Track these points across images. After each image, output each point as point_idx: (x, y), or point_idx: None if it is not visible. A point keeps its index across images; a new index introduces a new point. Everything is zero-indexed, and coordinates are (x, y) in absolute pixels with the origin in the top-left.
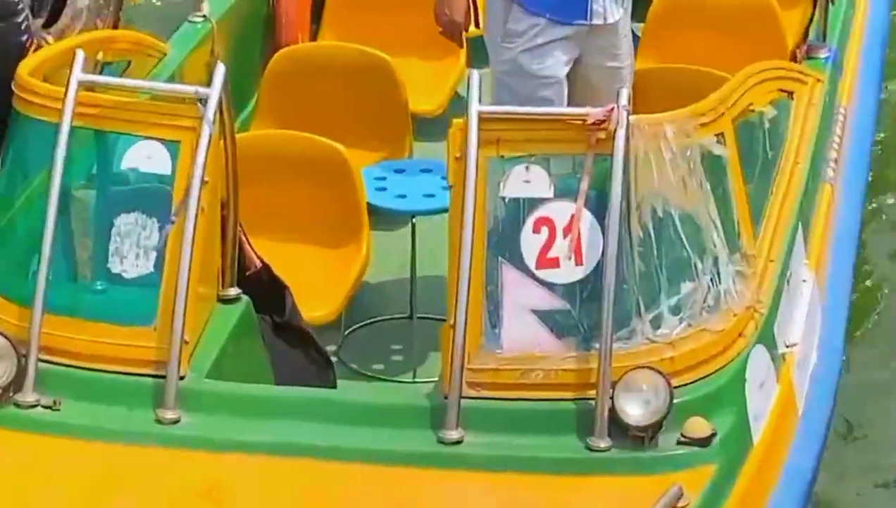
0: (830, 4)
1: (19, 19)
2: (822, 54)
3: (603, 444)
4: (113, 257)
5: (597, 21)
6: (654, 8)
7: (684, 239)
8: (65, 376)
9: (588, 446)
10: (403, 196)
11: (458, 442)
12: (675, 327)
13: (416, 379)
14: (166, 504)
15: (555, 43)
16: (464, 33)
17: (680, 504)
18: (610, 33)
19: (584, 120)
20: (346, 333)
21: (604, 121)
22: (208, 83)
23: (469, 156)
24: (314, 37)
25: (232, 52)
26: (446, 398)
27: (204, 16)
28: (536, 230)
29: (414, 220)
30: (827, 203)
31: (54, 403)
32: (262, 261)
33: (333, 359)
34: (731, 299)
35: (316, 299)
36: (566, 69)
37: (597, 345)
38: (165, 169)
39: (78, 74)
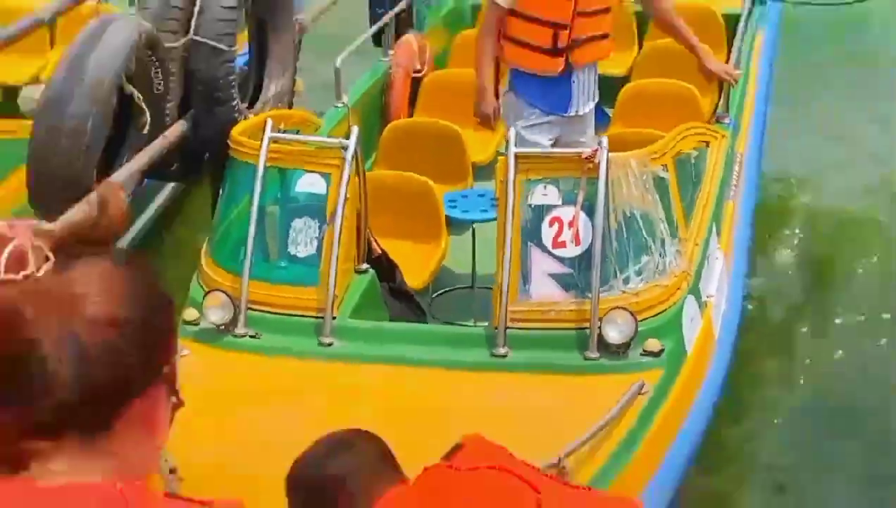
0: (732, 90)
1: (234, 104)
2: (725, 120)
3: (594, 356)
4: (291, 244)
5: (571, 113)
6: (622, 98)
7: (643, 229)
8: (261, 318)
9: (585, 357)
10: (467, 211)
11: (504, 356)
12: (638, 283)
13: (476, 323)
14: (328, 393)
15: (543, 125)
16: (493, 122)
17: (643, 391)
18: (580, 121)
19: (580, 156)
20: (434, 296)
21: (592, 157)
22: (348, 139)
23: (509, 179)
24: (411, 115)
25: (361, 123)
26: (496, 328)
27: (343, 103)
28: (551, 225)
29: (473, 226)
30: (730, 211)
31: (255, 334)
32: (381, 249)
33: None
34: (672, 266)
35: (415, 274)
36: (550, 142)
37: (590, 295)
38: (322, 191)
39: (269, 133)
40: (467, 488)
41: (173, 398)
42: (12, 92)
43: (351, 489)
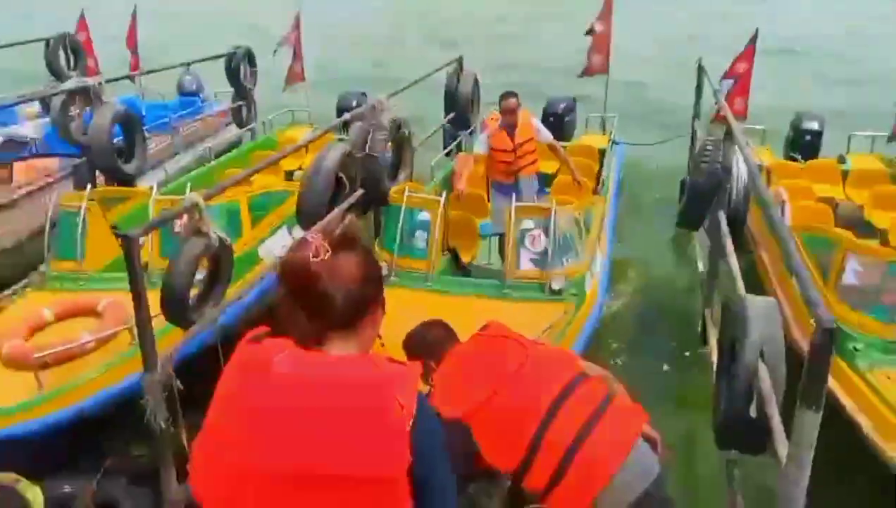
0: (604, 180)
1: (385, 181)
2: (601, 193)
3: (547, 295)
4: (416, 240)
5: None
6: (554, 183)
7: (569, 241)
8: (402, 273)
9: (544, 294)
10: (487, 230)
11: (507, 293)
12: (566, 264)
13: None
14: (429, 304)
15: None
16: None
17: (566, 311)
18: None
19: (540, 207)
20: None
21: (548, 208)
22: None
23: (512, 216)
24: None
25: (443, 190)
26: (505, 281)
27: (434, 181)
28: (529, 237)
29: (489, 237)
30: (604, 233)
31: (390, 274)
32: (451, 245)
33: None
34: (580, 258)
35: (466, 256)
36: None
37: (545, 269)
38: (428, 219)
39: (407, 192)
40: (489, 344)
41: (382, 310)
42: (290, 174)
43: (439, 345)
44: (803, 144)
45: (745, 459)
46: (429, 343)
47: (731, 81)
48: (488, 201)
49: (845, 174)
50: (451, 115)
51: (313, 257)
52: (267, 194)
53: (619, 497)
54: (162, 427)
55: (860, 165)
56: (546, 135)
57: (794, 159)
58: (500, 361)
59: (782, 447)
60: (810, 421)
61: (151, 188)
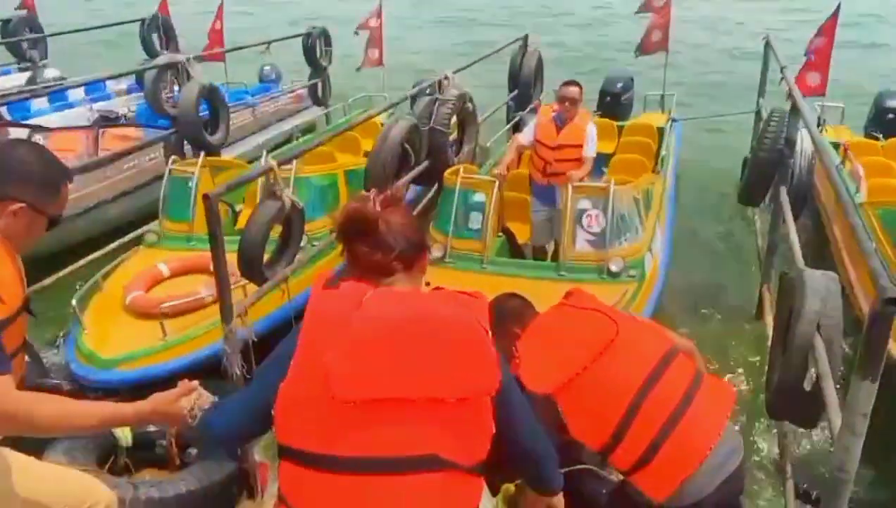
0: (662, 160)
1: (449, 155)
2: (660, 173)
3: (605, 276)
4: (472, 222)
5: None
6: (611, 163)
7: (627, 221)
8: (456, 254)
9: (601, 276)
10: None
11: (563, 275)
12: (624, 244)
13: (551, 260)
14: (483, 284)
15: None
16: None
17: (626, 292)
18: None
19: (601, 186)
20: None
21: (607, 187)
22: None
23: (569, 195)
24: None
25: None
26: (561, 261)
27: (489, 163)
28: (586, 217)
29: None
30: (664, 213)
31: (452, 261)
32: (506, 225)
33: None
34: (640, 237)
35: (521, 237)
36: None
37: (603, 249)
38: (483, 200)
39: (461, 173)
40: (571, 317)
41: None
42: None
43: (519, 316)
44: (885, 123)
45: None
46: (510, 312)
47: (806, 58)
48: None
49: None
50: (514, 92)
51: (375, 209)
52: (349, 169)
53: (711, 479)
54: (236, 374)
55: None
56: (591, 149)
57: (876, 138)
58: (590, 334)
59: (836, 417)
60: (866, 391)
61: (255, 160)
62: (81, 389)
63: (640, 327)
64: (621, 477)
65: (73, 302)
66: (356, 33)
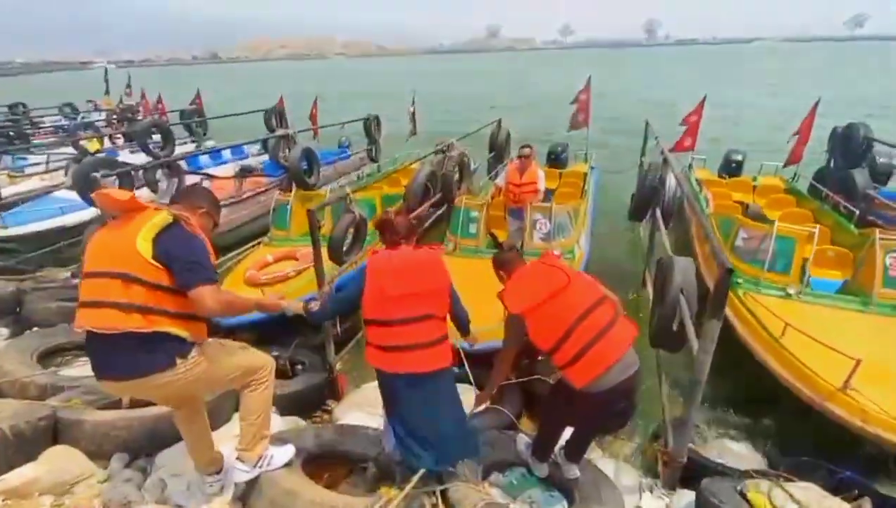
0: (586, 188)
1: (455, 190)
2: (584, 197)
3: None
4: (468, 228)
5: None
6: (555, 196)
7: (565, 224)
8: (465, 248)
9: None
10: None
11: (527, 255)
12: (563, 238)
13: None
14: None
15: (515, 223)
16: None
17: None
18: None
19: (547, 206)
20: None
21: (549, 207)
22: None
23: (529, 214)
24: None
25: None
26: (524, 250)
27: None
28: (539, 225)
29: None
30: (587, 223)
31: (456, 248)
32: (491, 231)
33: None
34: (572, 235)
35: (500, 237)
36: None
37: (550, 242)
38: (477, 215)
39: (464, 200)
40: (539, 269)
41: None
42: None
43: (511, 263)
44: (729, 168)
45: (666, 356)
46: (504, 260)
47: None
48: (505, 218)
49: (755, 188)
50: (492, 154)
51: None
52: (391, 194)
53: (617, 376)
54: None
55: (765, 182)
56: (542, 184)
57: (723, 177)
58: (552, 281)
59: (695, 343)
60: (714, 326)
61: (327, 191)
62: (216, 327)
63: (585, 281)
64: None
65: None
66: (411, 116)
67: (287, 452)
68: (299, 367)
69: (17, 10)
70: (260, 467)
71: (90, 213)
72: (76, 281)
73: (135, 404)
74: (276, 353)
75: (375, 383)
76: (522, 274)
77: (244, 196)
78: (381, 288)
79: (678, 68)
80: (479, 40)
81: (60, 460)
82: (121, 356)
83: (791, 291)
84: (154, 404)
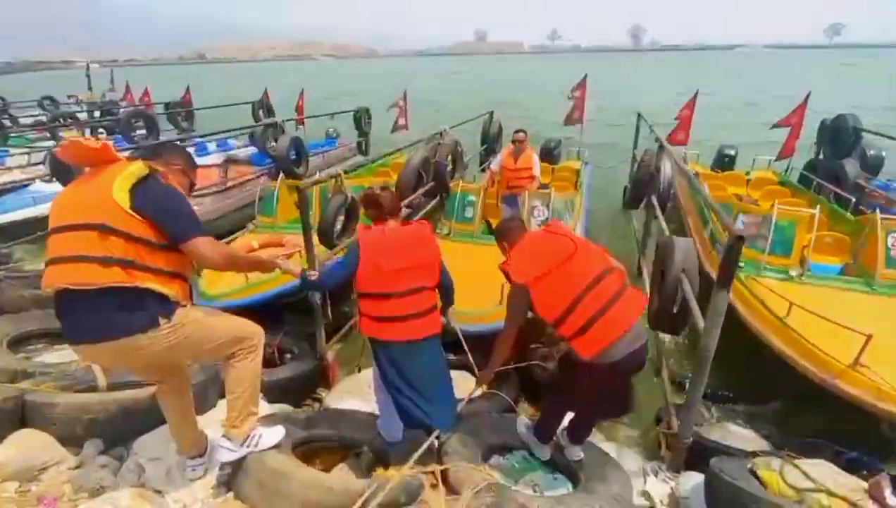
0: (580, 180)
1: (449, 179)
2: (579, 190)
3: None
4: (464, 213)
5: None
6: (552, 183)
7: (561, 213)
8: (461, 233)
9: None
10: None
11: None
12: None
13: None
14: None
15: (508, 211)
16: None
17: None
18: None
19: (548, 192)
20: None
21: (548, 193)
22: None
23: (528, 200)
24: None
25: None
26: None
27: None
28: (538, 211)
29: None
30: (582, 209)
31: (451, 232)
32: (486, 218)
33: None
34: (568, 224)
35: (494, 223)
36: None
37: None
38: (474, 199)
39: (461, 185)
40: (545, 237)
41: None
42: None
43: (513, 232)
44: (722, 162)
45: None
46: (507, 230)
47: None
48: (498, 206)
49: (748, 181)
50: (485, 145)
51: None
52: (383, 184)
53: (624, 348)
54: (317, 303)
55: (759, 175)
56: (537, 170)
57: (716, 170)
58: (558, 249)
59: (700, 321)
60: (723, 297)
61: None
62: None
63: (592, 249)
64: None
65: (194, 263)
66: (388, 109)
67: (276, 433)
68: (288, 355)
69: None
70: (247, 446)
71: None
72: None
73: (113, 388)
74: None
75: (368, 370)
76: (527, 243)
77: (229, 185)
78: (375, 263)
79: (664, 71)
80: (467, 44)
81: (27, 444)
82: (98, 314)
83: (793, 273)
84: (134, 386)
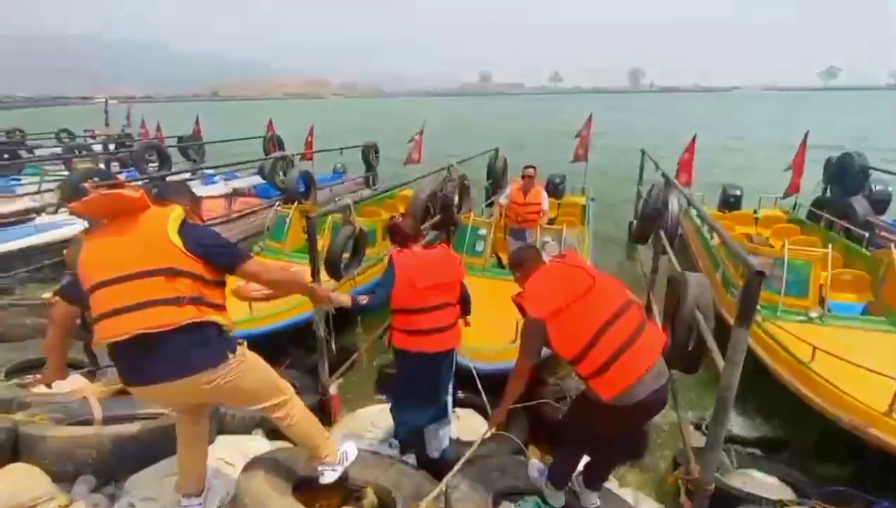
0: (587, 216)
1: (454, 211)
2: (586, 226)
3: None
4: (476, 247)
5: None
6: (557, 221)
7: (574, 242)
8: (471, 267)
9: None
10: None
11: None
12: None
13: None
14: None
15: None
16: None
17: None
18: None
19: (557, 227)
20: None
21: (559, 229)
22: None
23: (539, 232)
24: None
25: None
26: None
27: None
28: (549, 247)
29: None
30: (589, 239)
31: None
32: (495, 252)
33: None
34: (580, 247)
35: (504, 258)
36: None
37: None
38: (484, 233)
39: (472, 219)
40: (562, 269)
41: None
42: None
43: (528, 262)
44: (728, 203)
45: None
46: (522, 259)
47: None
48: (505, 239)
49: (756, 220)
50: (490, 180)
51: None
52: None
53: (646, 388)
54: (322, 336)
55: (767, 214)
56: (545, 206)
57: (723, 211)
58: (576, 282)
59: (720, 359)
60: (743, 335)
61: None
62: None
63: (611, 283)
64: (568, 405)
65: None
66: (409, 141)
67: (354, 448)
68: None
69: (16, 51)
70: (342, 463)
71: (63, 232)
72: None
73: (107, 422)
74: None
75: (371, 407)
76: (542, 275)
77: (233, 216)
78: (410, 280)
79: (664, 113)
80: (471, 85)
81: (18, 479)
82: (176, 353)
83: (813, 314)
84: (129, 421)
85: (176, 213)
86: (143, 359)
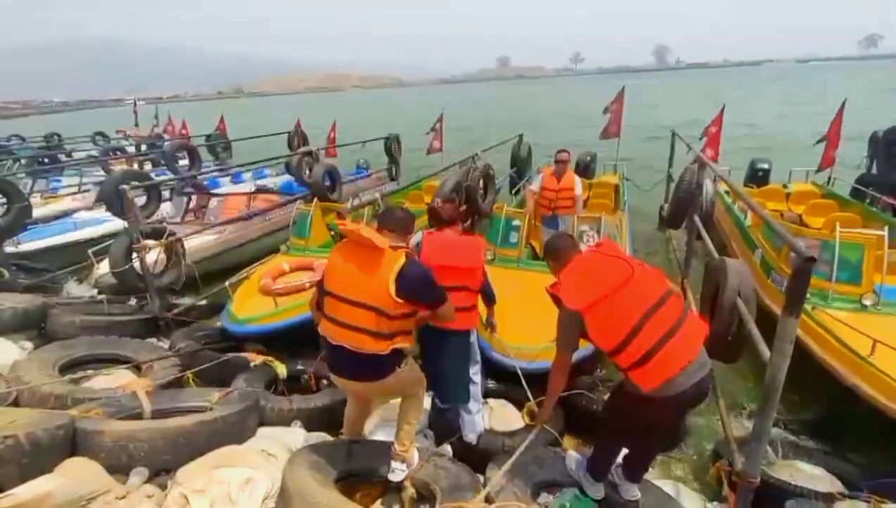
0: (620, 201)
1: (479, 201)
2: (622, 210)
3: None
4: (510, 238)
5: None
6: (587, 205)
7: (611, 234)
8: (505, 258)
9: None
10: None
11: None
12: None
13: None
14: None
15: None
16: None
17: None
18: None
19: (594, 216)
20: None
21: (598, 218)
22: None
23: (576, 224)
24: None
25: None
26: None
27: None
28: (587, 237)
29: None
30: (627, 229)
31: (494, 258)
32: (530, 241)
33: None
34: (619, 239)
35: (538, 247)
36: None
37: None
38: (518, 224)
39: (505, 209)
40: (598, 259)
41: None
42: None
43: (565, 251)
44: (756, 178)
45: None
46: (557, 248)
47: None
48: (536, 226)
49: (788, 195)
50: (514, 168)
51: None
52: (419, 209)
53: (690, 378)
54: None
55: (799, 189)
56: (579, 192)
57: (751, 186)
58: (613, 272)
59: (764, 349)
60: (791, 324)
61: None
62: (226, 337)
63: (650, 272)
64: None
65: (227, 285)
66: (427, 133)
67: (416, 454)
68: (324, 382)
69: (54, 55)
70: (409, 466)
71: (102, 228)
72: (100, 296)
73: (156, 416)
74: (300, 367)
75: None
76: (578, 264)
77: (252, 214)
78: (427, 257)
79: (691, 88)
80: (490, 70)
81: (77, 473)
82: (361, 365)
83: (867, 302)
84: (176, 415)
85: (398, 264)
86: (345, 360)
